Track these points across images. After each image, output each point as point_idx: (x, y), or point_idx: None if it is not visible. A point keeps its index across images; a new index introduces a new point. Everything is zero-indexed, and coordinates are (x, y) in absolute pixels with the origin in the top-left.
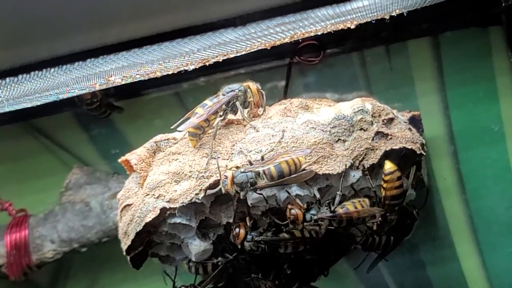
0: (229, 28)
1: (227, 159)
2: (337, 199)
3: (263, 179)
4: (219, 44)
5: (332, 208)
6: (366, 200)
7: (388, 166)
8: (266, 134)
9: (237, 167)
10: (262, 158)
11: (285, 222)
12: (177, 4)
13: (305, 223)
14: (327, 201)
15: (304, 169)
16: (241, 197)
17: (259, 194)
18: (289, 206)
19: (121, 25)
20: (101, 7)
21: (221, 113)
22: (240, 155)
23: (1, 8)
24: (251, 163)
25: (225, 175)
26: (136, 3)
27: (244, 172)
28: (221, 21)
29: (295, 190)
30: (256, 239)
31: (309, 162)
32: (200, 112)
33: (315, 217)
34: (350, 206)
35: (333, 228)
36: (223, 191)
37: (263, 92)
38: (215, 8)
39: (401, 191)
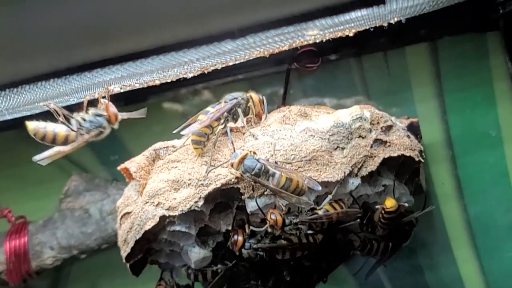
0: (228, 39)
1: (226, 167)
2: (326, 201)
3: (267, 179)
4: (218, 54)
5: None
6: (344, 199)
7: (390, 204)
8: (265, 142)
9: (254, 153)
10: (276, 163)
11: (266, 227)
12: (177, 18)
13: (285, 228)
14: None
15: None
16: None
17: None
18: (270, 211)
19: (122, 39)
20: (103, 22)
21: (222, 121)
22: None
23: (6, 23)
24: (268, 160)
25: (239, 151)
26: (137, 17)
27: (257, 160)
28: (221, 33)
29: None
30: (254, 246)
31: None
32: (203, 118)
33: (295, 221)
34: (329, 208)
35: (314, 231)
36: (229, 164)
37: (265, 102)
38: (215, 22)
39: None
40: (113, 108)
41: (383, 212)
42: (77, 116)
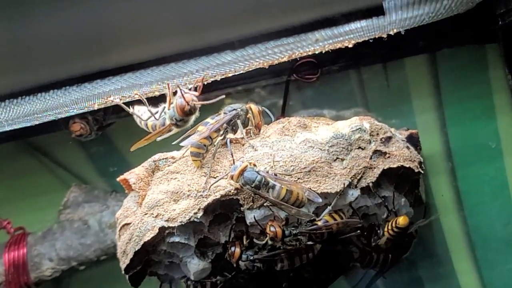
0: (228, 50)
1: (226, 179)
2: (325, 212)
3: (267, 191)
4: (217, 65)
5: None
6: (344, 210)
7: (403, 222)
8: (265, 153)
9: (254, 165)
10: (275, 175)
11: (266, 239)
12: (177, 29)
13: (285, 239)
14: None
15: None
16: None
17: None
18: (269, 223)
19: (122, 50)
20: (103, 33)
21: (221, 132)
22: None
23: (5, 34)
24: (267, 172)
25: (239, 163)
26: (137, 28)
27: (257, 172)
28: (220, 45)
29: None
30: (250, 258)
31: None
32: (202, 130)
33: (295, 231)
34: (328, 218)
35: (314, 243)
36: (228, 176)
37: (269, 112)
38: (214, 33)
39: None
40: (180, 101)
41: (393, 225)
42: (160, 107)
